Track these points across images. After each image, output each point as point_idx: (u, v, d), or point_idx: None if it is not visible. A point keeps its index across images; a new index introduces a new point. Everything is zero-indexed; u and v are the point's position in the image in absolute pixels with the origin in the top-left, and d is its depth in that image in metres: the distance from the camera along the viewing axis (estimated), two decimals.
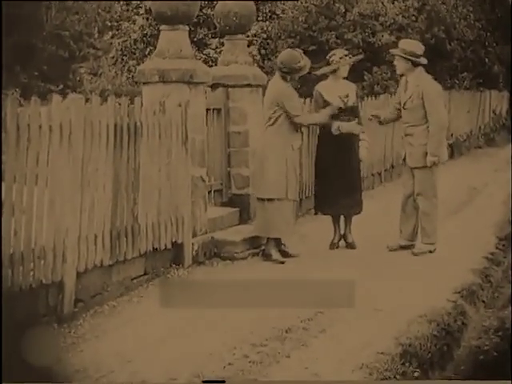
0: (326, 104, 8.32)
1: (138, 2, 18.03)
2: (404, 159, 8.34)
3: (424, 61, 8.22)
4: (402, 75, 8.39)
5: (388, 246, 8.33)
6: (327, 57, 8.50)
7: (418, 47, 8.28)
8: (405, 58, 8.16)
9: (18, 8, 14.84)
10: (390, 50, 8.70)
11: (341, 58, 8.38)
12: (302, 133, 8.23)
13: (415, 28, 16.21)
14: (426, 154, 8.06)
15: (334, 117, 8.27)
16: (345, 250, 8.45)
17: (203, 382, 4.92)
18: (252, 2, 9.62)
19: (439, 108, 8.15)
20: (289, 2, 16.62)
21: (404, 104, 8.25)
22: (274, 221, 7.94)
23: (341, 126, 8.28)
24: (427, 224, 8.18)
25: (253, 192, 8.72)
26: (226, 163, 9.26)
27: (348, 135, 8.34)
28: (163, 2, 7.79)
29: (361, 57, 9.35)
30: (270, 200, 7.94)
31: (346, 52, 8.64)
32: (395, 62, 8.37)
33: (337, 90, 8.40)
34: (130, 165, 6.88)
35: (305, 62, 7.98)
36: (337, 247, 8.48)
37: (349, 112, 8.39)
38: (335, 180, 8.33)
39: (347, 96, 8.40)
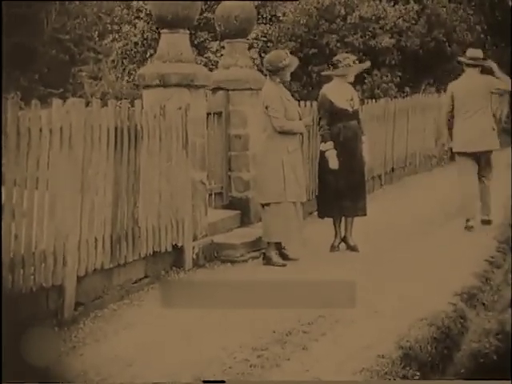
0: (333, 107, 8.35)
1: (139, 6, 18.03)
2: None
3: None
4: None
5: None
6: (337, 59, 8.55)
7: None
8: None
9: (19, 11, 14.86)
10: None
11: (354, 63, 8.45)
12: (298, 135, 8.22)
13: (415, 31, 16.23)
14: None
15: (338, 119, 8.33)
16: (345, 252, 8.45)
17: (203, 382, 4.93)
18: (252, 6, 9.64)
19: None
20: (289, 5, 16.63)
21: None
22: (274, 225, 7.93)
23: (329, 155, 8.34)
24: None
25: (256, 197, 8.66)
26: (227, 167, 9.28)
27: (352, 138, 8.36)
28: (164, 6, 7.80)
29: (368, 64, 9.38)
30: (267, 204, 7.94)
31: (356, 57, 8.72)
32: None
33: (343, 93, 8.44)
34: (130, 168, 6.89)
35: (290, 61, 8.05)
36: (337, 250, 8.48)
37: (353, 115, 8.43)
38: (340, 183, 8.33)
39: (352, 99, 8.46)
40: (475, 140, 9.42)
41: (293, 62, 8.09)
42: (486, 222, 9.61)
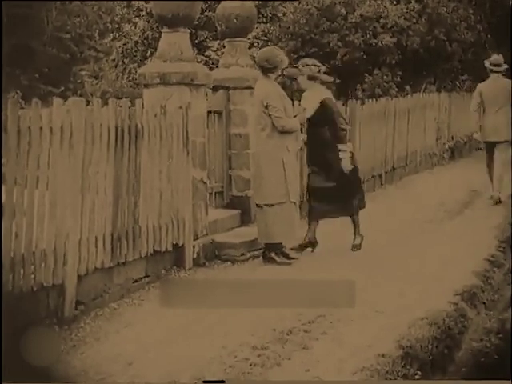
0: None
1: (140, 5, 18.03)
2: None
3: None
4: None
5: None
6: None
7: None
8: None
9: (19, 10, 14.85)
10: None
11: (304, 66, 8.42)
12: (299, 134, 8.18)
13: (416, 30, 16.21)
14: None
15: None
16: (345, 251, 8.43)
17: (203, 382, 4.93)
18: (253, 5, 9.63)
19: None
20: (290, 4, 16.62)
21: None
22: (277, 225, 7.87)
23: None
24: None
25: (253, 198, 8.56)
26: (227, 165, 9.27)
27: (321, 146, 8.31)
28: (164, 5, 7.80)
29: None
30: (269, 205, 7.89)
31: (317, 63, 8.58)
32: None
33: (311, 99, 8.38)
34: (130, 167, 6.89)
35: (283, 55, 8.08)
36: (305, 249, 8.37)
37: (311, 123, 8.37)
38: (320, 186, 8.32)
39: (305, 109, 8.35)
40: (497, 131, 11.17)
41: (286, 57, 8.10)
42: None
